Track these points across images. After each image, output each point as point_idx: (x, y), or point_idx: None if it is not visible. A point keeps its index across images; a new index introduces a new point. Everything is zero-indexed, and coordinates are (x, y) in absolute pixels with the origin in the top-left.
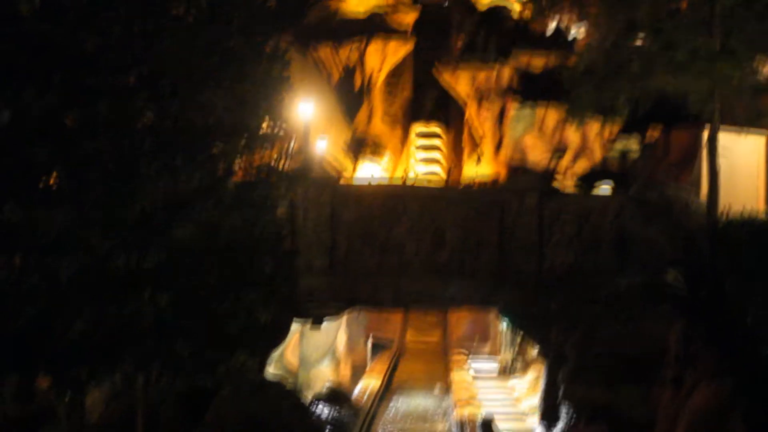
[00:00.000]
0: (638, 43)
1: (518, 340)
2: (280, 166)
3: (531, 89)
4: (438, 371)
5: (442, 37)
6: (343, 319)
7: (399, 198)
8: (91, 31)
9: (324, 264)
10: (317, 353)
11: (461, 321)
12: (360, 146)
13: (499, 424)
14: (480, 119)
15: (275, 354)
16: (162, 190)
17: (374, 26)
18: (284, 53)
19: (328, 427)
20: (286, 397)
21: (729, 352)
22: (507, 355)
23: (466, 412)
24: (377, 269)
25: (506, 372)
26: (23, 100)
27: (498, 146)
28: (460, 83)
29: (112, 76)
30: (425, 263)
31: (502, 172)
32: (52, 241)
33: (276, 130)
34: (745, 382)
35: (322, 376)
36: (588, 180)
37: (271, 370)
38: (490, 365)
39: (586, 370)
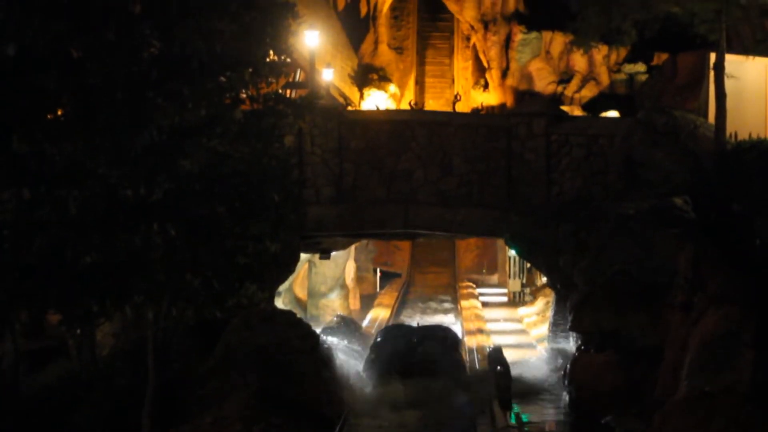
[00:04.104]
0: None
1: (526, 268)
2: (288, 95)
3: (537, 14)
4: (447, 302)
5: None
6: (352, 250)
7: (407, 124)
8: None
9: (332, 193)
10: (326, 285)
11: (469, 250)
12: (366, 75)
13: (509, 353)
14: (486, 46)
15: (284, 286)
16: (169, 119)
17: None
18: None
19: (339, 357)
20: (295, 328)
21: (738, 275)
22: (515, 284)
23: (475, 342)
24: (385, 197)
25: (515, 301)
26: (30, 28)
27: (504, 73)
28: (466, 9)
29: (119, 4)
30: (433, 191)
31: (509, 99)
32: (60, 171)
33: (282, 59)
34: (755, 306)
35: (331, 307)
36: (594, 106)
37: (280, 303)
38: (499, 295)
39: (595, 297)
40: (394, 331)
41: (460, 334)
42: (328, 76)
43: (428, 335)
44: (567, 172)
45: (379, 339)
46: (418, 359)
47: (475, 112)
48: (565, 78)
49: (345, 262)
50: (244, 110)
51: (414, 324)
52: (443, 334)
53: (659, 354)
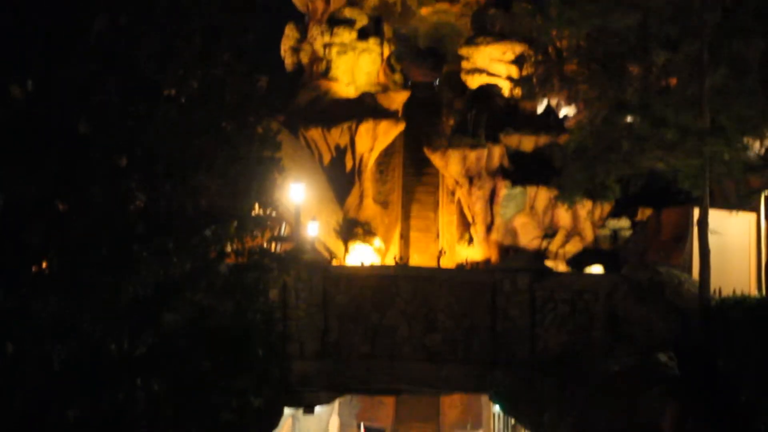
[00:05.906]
0: (628, 120)
1: (511, 424)
2: (273, 249)
3: (522, 169)
4: None
5: (433, 117)
6: (335, 405)
7: (391, 280)
8: (84, 113)
9: (316, 348)
10: None
11: (454, 406)
12: (351, 229)
13: None
14: (471, 200)
15: None
16: (154, 274)
17: (364, 108)
18: (275, 135)
19: None
20: None
21: None
22: None
23: None
24: (370, 353)
25: None
26: (16, 185)
27: (489, 228)
28: (451, 164)
29: (105, 159)
30: (418, 347)
31: (494, 254)
32: (44, 326)
33: (268, 213)
34: None
35: None
36: (579, 261)
37: None
38: None
39: None
40: None
41: None
42: (313, 230)
43: None
44: (552, 327)
45: None
46: None
47: (460, 267)
48: (549, 233)
49: (329, 417)
50: (229, 264)
51: None
52: None
53: None
